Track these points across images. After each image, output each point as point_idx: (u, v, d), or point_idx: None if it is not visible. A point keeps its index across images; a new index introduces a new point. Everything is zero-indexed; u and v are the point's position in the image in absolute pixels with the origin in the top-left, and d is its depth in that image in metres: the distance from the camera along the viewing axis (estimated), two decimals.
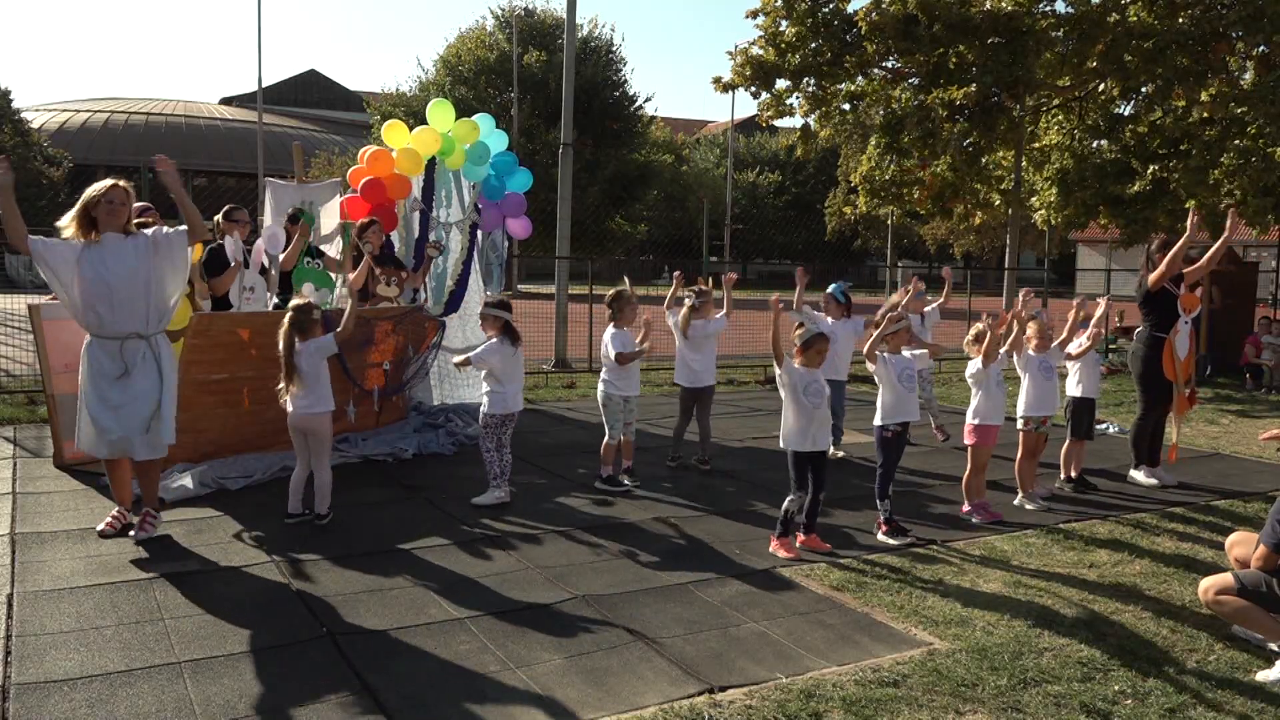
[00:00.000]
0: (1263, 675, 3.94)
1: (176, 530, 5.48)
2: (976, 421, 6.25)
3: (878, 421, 5.78)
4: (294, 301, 5.79)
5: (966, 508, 6.27)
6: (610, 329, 6.84)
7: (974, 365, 6.28)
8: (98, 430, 5.12)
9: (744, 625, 4.37)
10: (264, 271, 7.56)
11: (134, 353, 5.11)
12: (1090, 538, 5.92)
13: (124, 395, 5.10)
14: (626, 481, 6.87)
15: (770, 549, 5.41)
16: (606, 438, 6.86)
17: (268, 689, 3.61)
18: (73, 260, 4.99)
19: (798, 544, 5.42)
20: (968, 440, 6.30)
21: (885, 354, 5.72)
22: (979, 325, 6.36)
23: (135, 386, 5.11)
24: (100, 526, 5.37)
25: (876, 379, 5.75)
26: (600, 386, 6.92)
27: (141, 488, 5.43)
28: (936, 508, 6.52)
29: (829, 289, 7.91)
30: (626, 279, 7.07)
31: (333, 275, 8.05)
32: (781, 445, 5.45)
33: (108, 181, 5.13)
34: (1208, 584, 4.21)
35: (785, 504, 5.41)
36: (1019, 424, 6.68)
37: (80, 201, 5.01)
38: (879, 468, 5.80)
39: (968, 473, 6.30)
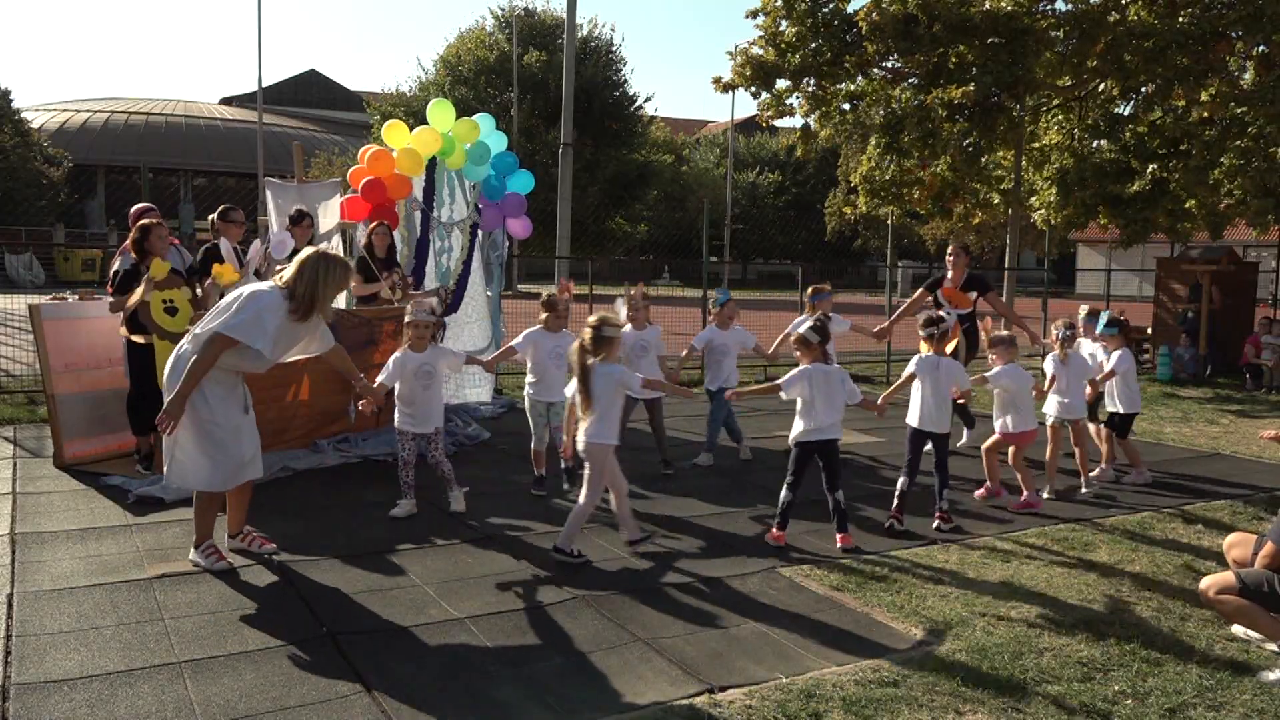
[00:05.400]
0: (1263, 675, 3.94)
1: (176, 530, 5.48)
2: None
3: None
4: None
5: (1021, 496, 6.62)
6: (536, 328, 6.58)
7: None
8: (239, 457, 4.77)
9: (744, 625, 4.37)
10: (259, 274, 7.56)
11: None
12: (1090, 538, 5.92)
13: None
14: (566, 485, 6.61)
15: (768, 538, 5.59)
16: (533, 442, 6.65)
17: (268, 689, 3.61)
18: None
19: (837, 545, 5.55)
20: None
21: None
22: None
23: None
24: (219, 564, 4.88)
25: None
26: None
27: (244, 510, 5.15)
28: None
29: (718, 296, 7.69)
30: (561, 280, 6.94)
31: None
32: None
33: (342, 262, 4.90)
34: (1208, 582, 4.21)
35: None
36: (1061, 421, 7.07)
37: (312, 276, 4.68)
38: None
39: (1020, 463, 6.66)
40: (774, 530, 5.62)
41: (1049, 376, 7.00)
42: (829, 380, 5.51)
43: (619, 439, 5.18)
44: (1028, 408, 6.59)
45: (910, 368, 6.19)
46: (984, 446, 6.89)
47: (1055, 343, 7.02)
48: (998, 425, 6.72)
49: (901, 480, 6.08)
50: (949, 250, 8.53)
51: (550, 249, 17.75)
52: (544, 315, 6.49)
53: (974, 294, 8.33)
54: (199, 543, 4.93)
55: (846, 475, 7.34)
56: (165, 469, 4.82)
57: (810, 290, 8.11)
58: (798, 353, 5.66)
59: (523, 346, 6.49)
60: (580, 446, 5.15)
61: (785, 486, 5.61)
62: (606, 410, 5.09)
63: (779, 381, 5.59)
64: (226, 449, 4.70)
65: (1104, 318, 7.54)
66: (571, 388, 5.25)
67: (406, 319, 5.93)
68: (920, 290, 8.77)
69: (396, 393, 5.94)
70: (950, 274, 8.44)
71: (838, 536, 5.57)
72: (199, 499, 4.90)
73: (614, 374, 5.09)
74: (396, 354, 5.92)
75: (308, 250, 4.82)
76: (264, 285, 4.77)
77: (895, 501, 6.04)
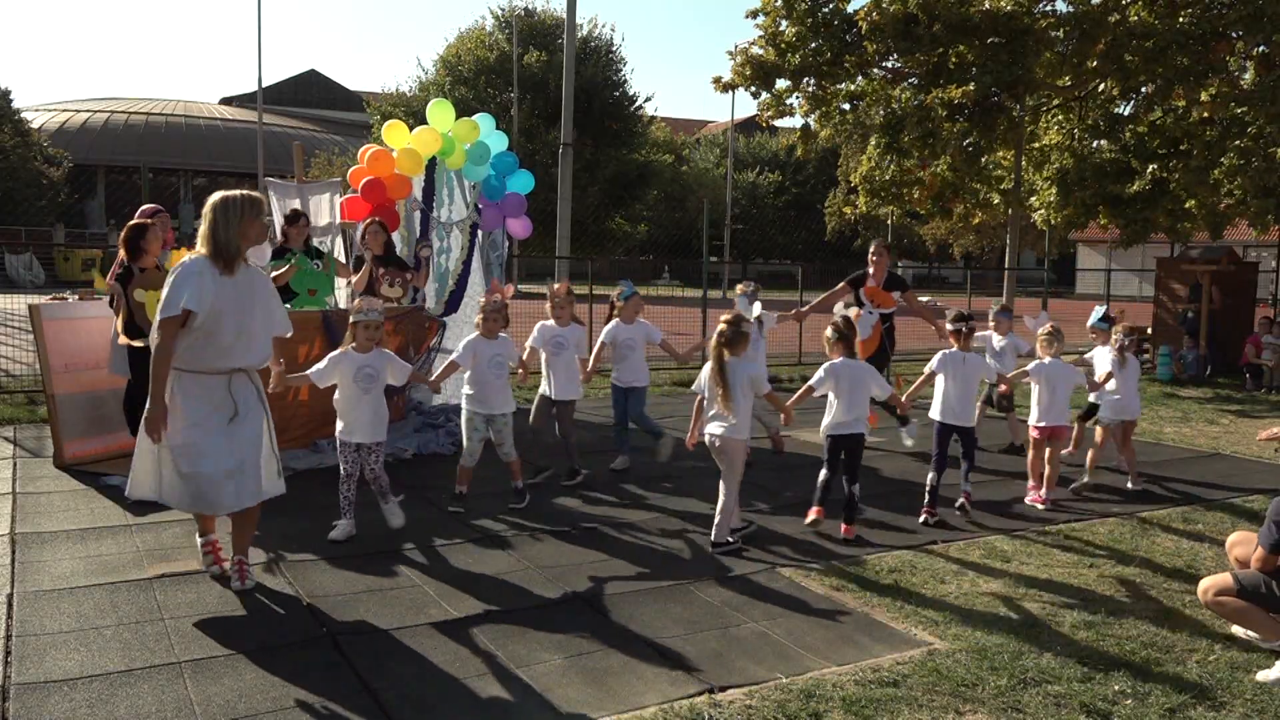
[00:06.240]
0: (1263, 675, 3.94)
1: (176, 530, 5.48)
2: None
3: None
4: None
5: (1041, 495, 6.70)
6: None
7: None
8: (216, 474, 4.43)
9: (744, 625, 4.37)
10: None
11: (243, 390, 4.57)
12: (1090, 538, 5.92)
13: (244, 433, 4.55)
14: (514, 504, 6.23)
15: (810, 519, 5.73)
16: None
17: (268, 689, 3.61)
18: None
19: (841, 532, 5.70)
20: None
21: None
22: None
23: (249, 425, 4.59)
24: (213, 567, 4.81)
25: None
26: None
27: (243, 534, 4.74)
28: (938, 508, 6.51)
29: (623, 290, 7.45)
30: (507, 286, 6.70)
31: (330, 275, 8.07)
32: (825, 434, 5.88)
33: (242, 194, 4.51)
34: (1207, 584, 4.21)
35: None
36: (1112, 422, 7.26)
37: (222, 219, 4.40)
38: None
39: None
40: (814, 508, 5.74)
41: (1104, 373, 7.14)
42: (854, 375, 5.71)
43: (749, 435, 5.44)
44: (1063, 403, 6.65)
45: (933, 363, 6.29)
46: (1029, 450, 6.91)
47: (1113, 346, 7.25)
48: (1032, 421, 6.73)
49: (930, 476, 6.22)
50: (872, 249, 8.54)
51: (550, 249, 17.75)
52: (478, 320, 6.13)
53: (896, 293, 8.44)
54: (201, 534, 4.88)
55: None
56: (145, 484, 4.58)
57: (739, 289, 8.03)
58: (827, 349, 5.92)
59: (463, 358, 6.03)
60: (711, 441, 5.36)
61: (824, 466, 5.84)
62: (740, 406, 5.26)
63: (810, 381, 5.82)
64: (194, 459, 4.37)
65: (1098, 311, 7.84)
66: (700, 382, 5.42)
67: (352, 319, 5.38)
68: (842, 284, 8.78)
69: (334, 397, 5.41)
70: (873, 272, 8.50)
71: (843, 526, 5.72)
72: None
73: (750, 370, 5.32)
74: (336, 351, 5.40)
75: (211, 198, 4.52)
76: (186, 257, 4.52)
77: (926, 498, 6.19)
